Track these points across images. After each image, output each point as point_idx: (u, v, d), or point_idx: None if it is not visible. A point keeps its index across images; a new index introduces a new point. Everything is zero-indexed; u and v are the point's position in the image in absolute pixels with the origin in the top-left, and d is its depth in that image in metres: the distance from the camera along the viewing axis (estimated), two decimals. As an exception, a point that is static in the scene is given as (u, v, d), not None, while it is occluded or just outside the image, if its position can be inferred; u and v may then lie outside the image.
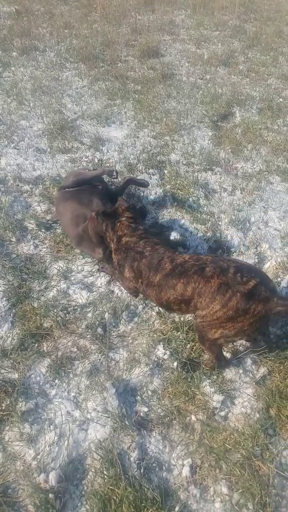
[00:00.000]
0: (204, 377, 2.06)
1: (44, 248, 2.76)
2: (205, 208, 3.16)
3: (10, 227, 2.83)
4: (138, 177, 3.26)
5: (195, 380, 2.03)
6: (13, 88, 4.80)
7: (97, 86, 5.04)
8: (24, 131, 4.08)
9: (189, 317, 2.36)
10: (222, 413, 1.91)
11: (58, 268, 2.60)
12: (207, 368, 2.09)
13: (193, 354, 2.17)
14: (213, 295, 1.83)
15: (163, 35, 6.83)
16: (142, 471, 1.69)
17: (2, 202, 3.04)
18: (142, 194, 3.25)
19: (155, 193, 3.29)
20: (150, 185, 2.99)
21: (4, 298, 2.38)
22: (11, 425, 1.83)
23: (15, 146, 3.84)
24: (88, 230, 2.45)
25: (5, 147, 3.81)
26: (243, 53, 6.27)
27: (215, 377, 2.07)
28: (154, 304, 2.42)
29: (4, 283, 2.46)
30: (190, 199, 3.22)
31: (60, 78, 5.19)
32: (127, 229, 2.29)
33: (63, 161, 3.62)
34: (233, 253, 2.79)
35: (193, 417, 1.90)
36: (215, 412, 1.91)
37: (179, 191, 3.30)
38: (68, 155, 3.72)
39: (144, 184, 3.02)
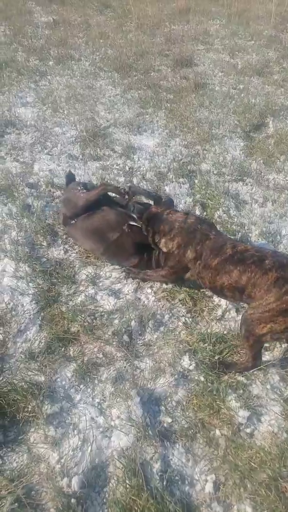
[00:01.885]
0: (230, 390, 2.02)
1: (74, 253, 2.81)
2: (235, 219, 3.13)
3: (42, 231, 2.90)
4: (166, 186, 3.20)
5: (221, 393, 1.99)
6: (49, 96, 4.95)
7: (129, 95, 5.12)
8: (58, 137, 4.19)
9: (216, 328, 2.33)
10: (248, 430, 1.87)
11: (86, 274, 2.64)
12: (240, 369, 2.07)
13: (219, 367, 2.13)
14: (269, 287, 1.85)
15: (197, 45, 6.87)
16: (164, 483, 1.67)
17: (35, 207, 3.12)
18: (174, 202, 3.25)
19: (185, 203, 3.29)
20: (162, 199, 2.84)
21: (34, 301, 2.43)
22: (37, 427, 1.86)
23: (48, 152, 3.94)
24: (124, 245, 2.50)
25: (38, 153, 3.93)
26: (278, 63, 6.21)
27: (241, 391, 2.03)
28: (181, 315, 2.41)
29: (34, 286, 2.52)
30: (220, 209, 3.19)
31: (94, 87, 5.31)
32: (179, 216, 2.35)
33: (94, 168, 3.68)
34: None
35: (217, 432, 1.87)
36: (241, 428, 1.87)
37: (209, 201, 3.29)
38: (100, 162, 3.78)
39: (155, 198, 2.74)
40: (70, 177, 3.10)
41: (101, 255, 2.70)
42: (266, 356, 2.21)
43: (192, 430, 1.87)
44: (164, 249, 2.39)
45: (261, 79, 5.67)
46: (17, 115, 4.50)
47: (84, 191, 2.74)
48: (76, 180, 3.13)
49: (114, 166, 3.73)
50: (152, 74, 5.74)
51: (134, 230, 2.52)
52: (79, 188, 2.76)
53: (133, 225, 2.50)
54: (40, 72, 5.61)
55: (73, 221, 2.75)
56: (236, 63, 6.13)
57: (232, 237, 2.92)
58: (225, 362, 2.14)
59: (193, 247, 2.22)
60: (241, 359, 2.13)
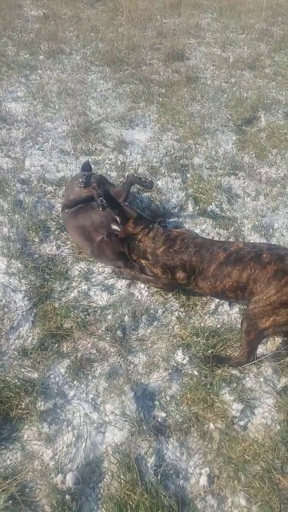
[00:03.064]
0: (224, 384, 2.03)
1: (66, 249, 2.79)
2: (228, 213, 3.12)
3: (34, 227, 2.87)
4: (159, 180, 3.18)
5: (215, 387, 2.00)
6: (40, 91, 4.89)
7: (121, 89, 5.08)
8: (49, 132, 4.14)
9: (209, 322, 2.33)
10: (242, 423, 1.87)
11: (79, 270, 2.62)
12: (233, 364, 2.09)
13: (213, 361, 2.13)
14: (268, 281, 1.88)
15: (189, 39, 6.82)
16: (159, 477, 1.68)
17: (26, 203, 3.09)
18: (164, 197, 3.24)
19: (177, 197, 3.27)
20: (154, 186, 2.78)
21: (26, 298, 2.41)
22: (30, 424, 1.85)
23: (39, 148, 3.90)
24: (104, 250, 2.52)
25: (29, 148, 3.88)
26: (269, 57, 6.19)
27: (234, 385, 2.03)
28: (174, 309, 2.41)
29: (27, 282, 2.50)
30: (213, 203, 3.19)
31: (85, 81, 5.25)
32: (153, 242, 2.30)
33: (86, 163, 3.65)
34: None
35: (211, 425, 1.87)
36: (234, 421, 1.88)
37: (201, 195, 3.28)
38: (92, 157, 3.75)
39: (148, 186, 2.79)
40: (86, 167, 3.10)
41: (88, 254, 2.69)
42: (259, 349, 2.21)
43: (186, 424, 1.87)
44: (149, 273, 2.40)
45: (253, 73, 5.65)
46: (7, 110, 4.44)
47: (81, 185, 2.71)
48: (92, 172, 3.11)
49: (106, 161, 3.71)
50: (143, 68, 5.70)
51: (113, 239, 2.46)
52: (79, 181, 2.72)
53: (113, 234, 2.45)
54: (30, 67, 5.55)
55: (67, 210, 2.77)
56: (228, 57, 6.10)
57: (224, 231, 2.92)
58: (218, 356, 2.14)
59: (180, 268, 2.19)
60: (235, 354, 2.14)
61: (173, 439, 1.83)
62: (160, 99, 4.82)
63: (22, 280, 2.51)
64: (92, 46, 6.28)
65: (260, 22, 7.66)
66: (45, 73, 5.41)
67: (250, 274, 1.94)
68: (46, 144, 3.94)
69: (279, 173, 3.62)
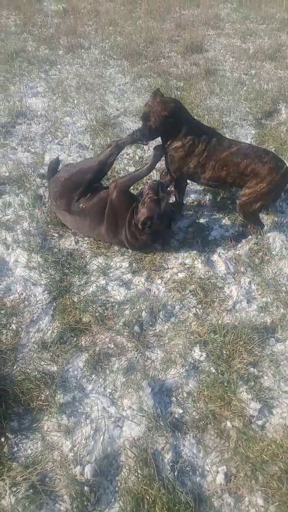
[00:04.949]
0: (241, 382, 2.02)
1: (85, 244, 2.81)
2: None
3: (53, 222, 2.90)
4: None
5: (232, 385, 1.99)
6: (59, 86, 4.90)
7: (139, 83, 5.04)
8: (68, 127, 4.16)
9: (227, 320, 2.32)
10: (259, 422, 1.86)
11: (97, 264, 2.64)
12: (253, 233, 2.78)
13: (231, 357, 2.13)
14: (265, 175, 2.50)
15: (208, 30, 6.70)
16: (175, 473, 1.69)
17: (46, 197, 3.12)
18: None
19: (196, 191, 3.25)
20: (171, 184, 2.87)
21: (46, 291, 2.45)
22: (50, 415, 1.89)
23: (58, 142, 3.92)
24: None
25: (49, 143, 3.91)
26: (291, 47, 6.02)
27: (252, 383, 2.02)
28: (192, 306, 2.40)
29: (46, 276, 2.53)
30: (232, 198, 3.14)
31: (103, 75, 5.24)
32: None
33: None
34: (275, 256, 2.70)
35: (228, 423, 1.87)
36: (252, 420, 1.87)
37: (220, 190, 3.24)
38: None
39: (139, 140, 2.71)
40: (55, 164, 3.01)
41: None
42: (278, 347, 2.20)
43: (203, 422, 1.88)
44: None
45: (274, 64, 5.51)
46: (27, 105, 4.47)
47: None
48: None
49: (124, 155, 3.70)
50: (162, 61, 5.63)
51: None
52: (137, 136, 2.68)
53: None
54: (50, 62, 5.56)
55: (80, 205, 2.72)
56: (248, 48, 5.97)
57: (244, 227, 2.88)
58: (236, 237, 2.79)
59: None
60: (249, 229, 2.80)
61: (190, 435, 1.84)
62: (178, 92, 4.76)
63: (42, 274, 2.55)
64: (110, 40, 6.24)
65: (281, 12, 7.45)
66: (64, 68, 5.42)
67: (253, 169, 2.50)
68: (65, 139, 3.96)
69: (300, 168, 3.54)
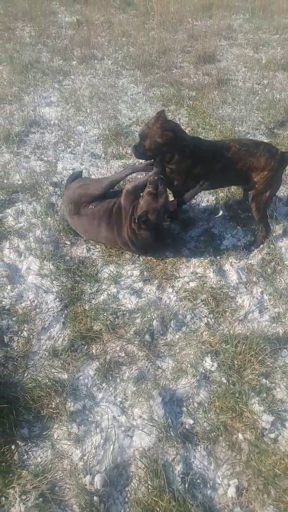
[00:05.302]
0: (253, 393, 1.99)
1: (96, 252, 2.83)
2: (259, 218, 3.06)
3: (65, 230, 2.93)
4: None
5: (243, 396, 1.97)
6: (72, 96, 4.99)
7: (151, 92, 5.09)
8: (81, 136, 4.22)
9: (239, 330, 2.30)
10: (272, 435, 1.83)
11: (108, 272, 2.65)
12: (261, 241, 2.81)
13: (242, 368, 2.10)
14: (263, 167, 2.61)
15: (220, 40, 6.76)
16: (186, 486, 1.67)
17: (58, 205, 3.16)
18: (193, 201, 3.23)
19: (207, 201, 3.25)
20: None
21: (58, 299, 2.47)
22: (60, 423, 1.89)
23: (71, 151, 3.98)
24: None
25: (62, 152, 3.97)
26: (304, 57, 6.03)
27: (264, 395, 1.99)
28: (203, 315, 2.38)
29: (58, 284, 2.55)
30: (244, 208, 3.14)
31: (116, 85, 5.31)
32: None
33: (117, 167, 3.69)
34: (287, 266, 2.69)
35: (240, 436, 1.84)
36: (264, 433, 1.84)
37: (233, 199, 3.23)
38: (122, 161, 3.78)
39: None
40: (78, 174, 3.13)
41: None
42: (291, 359, 2.17)
43: (214, 433, 1.86)
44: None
45: (286, 74, 5.52)
46: (41, 114, 4.56)
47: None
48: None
49: (137, 164, 3.72)
50: (174, 71, 5.69)
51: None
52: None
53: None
54: (63, 72, 5.67)
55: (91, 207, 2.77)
56: (260, 58, 5.99)
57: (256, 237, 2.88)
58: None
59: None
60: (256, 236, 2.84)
61: (200, 447, 1.81)
62: (191, 102, 4.80)
63: (54, 282, 2.57)
64: (123, 51, 6.34)
65: (294, 22, 7.48)
66: (77, 78, 5.51)
67: (251, 166, 2.61)
68: (78, 148, 4.01)
69: (313, 178, 3.52)
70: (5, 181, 3.49)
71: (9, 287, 2.55)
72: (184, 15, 7.86)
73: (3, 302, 2.46)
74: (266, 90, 5.05)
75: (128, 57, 6.07)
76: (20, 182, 3.46)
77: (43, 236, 2.87)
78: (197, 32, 6.96)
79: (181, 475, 1.71)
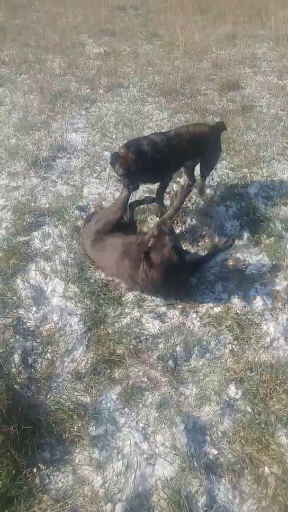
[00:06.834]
0: (280, 425, 1.93)
1: (120, 275, 2.86)
2: (285, 244, 3.04)
3: (90, 253, 2.99)
4: (213, 209, 3.25)
5: (270, 427, 1.91)
6: (98, 122, 5.18)
7: (176, 119, 5.22)
8: (106, 161, 4.34)
9: (264, 357, 2.25)
10: (300, 470, 1.76)
11: (132, 296, 2.67)
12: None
13: (268, 397, 2.05)
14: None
15: (244, 68, 6.91)
16: (210, 520, 1.62)
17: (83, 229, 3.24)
18: (218, 224, 3.24)
19: (231, 226, 3.26)
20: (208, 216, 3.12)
21: (81, 322, 2.50)
22: (82, 448, 1.88)
23: (97, 176, 4.09)
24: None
25: (87, 177, 4.09)
26: None
27: (291, 427, 1.92)
28: (228, 342, 2.36)
29: (82, 306, 2.59)
30: (269, 234, 3.12)
31: (141, 111, 5.48)
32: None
33: (141, 192, 3.77)
34: (314, 293, 2.63)
35: (266, 469, 1.78)
36: (292, 467, 1.77)
37: (257, 224, 3.23)
38: (146, 185, 3.86)
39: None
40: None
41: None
42: None
43: (239, 465, 1.80)
44: None
45: (311, 100, 5.57)
46: (68, 140, 4.74)
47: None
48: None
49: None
50: (198, 98, 5.83)
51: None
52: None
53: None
54: (90, 100, 5.91)
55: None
56: (285, 85, 6.07)
57: (281, 262, 2.84)
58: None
59: None
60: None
61: (225, 479, 1.76)
62: (215, 128, 4.88)
63: (78, 304, 2.61)
64: (148, 79, 6.57)
65: None
66: (103, 105, 5.73)
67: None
68: (103, 173, 4.12)
69: None
70: (32, 204, 3.61)
71: (34, 309, 2.61)
72: (209, 45, 8.09)
73: (28, 324, 2.52)
74: (290, 115, 5.09)
75: (153, 85, 6.28)
76: (47, 206, 3.58)
77: (68, 259, 2.94)
78: (221, 60, 7.15)
79: (204, 508, 1.66)
